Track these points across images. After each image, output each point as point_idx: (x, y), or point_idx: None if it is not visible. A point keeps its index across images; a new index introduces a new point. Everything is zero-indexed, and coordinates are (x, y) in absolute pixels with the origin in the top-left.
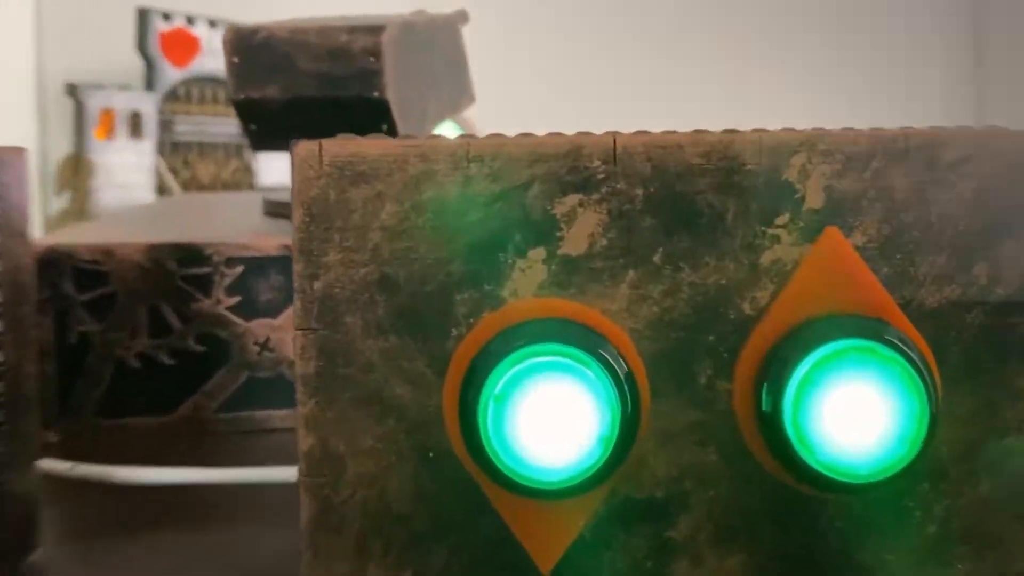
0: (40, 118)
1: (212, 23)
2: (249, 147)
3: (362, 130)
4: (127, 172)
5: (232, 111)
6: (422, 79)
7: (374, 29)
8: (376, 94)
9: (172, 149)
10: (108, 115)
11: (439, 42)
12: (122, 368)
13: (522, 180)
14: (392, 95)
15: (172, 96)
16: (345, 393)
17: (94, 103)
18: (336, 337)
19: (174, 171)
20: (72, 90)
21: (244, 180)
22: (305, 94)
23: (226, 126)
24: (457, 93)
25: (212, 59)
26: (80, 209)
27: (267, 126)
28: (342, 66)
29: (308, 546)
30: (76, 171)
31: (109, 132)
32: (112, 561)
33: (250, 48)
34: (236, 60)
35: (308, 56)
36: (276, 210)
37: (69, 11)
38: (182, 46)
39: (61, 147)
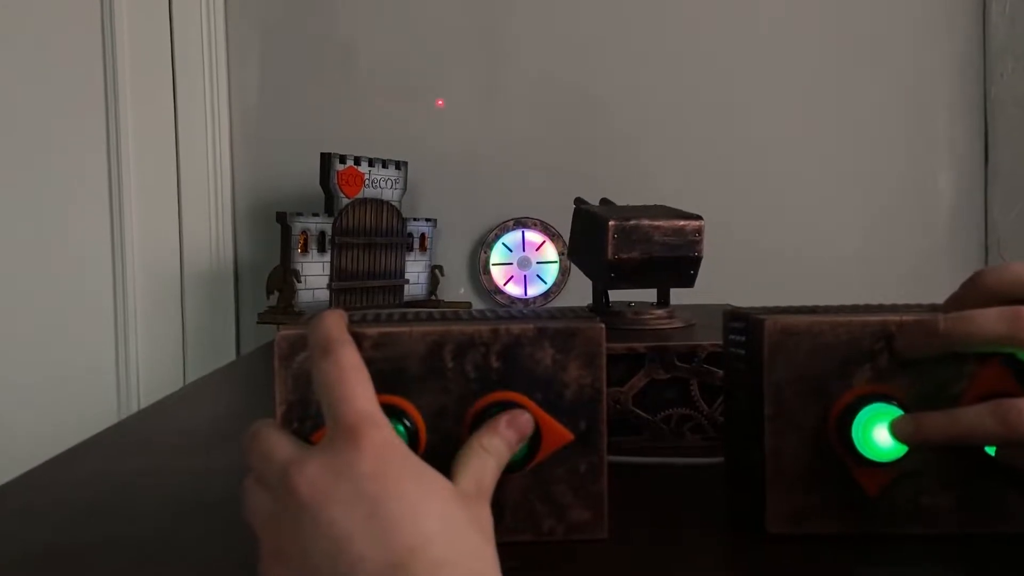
0: (253, 238)
1: (371, 162)
2: (603, 285)
3: (679, 275)
4: (316, 279)
5: None
6: None
7: (696, 216)
8: (695, 253)
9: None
10: (304, 236)
11: None
12: None
13: None
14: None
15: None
16: None
17: (297, 227)
18: None
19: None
20: (280, 217)
21: None
22: (655, 255)
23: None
24: None
25: (371, 189)
26: (286, 307)
27: (624, 274)
28: (679, 239)
29: None
30: (284, 279)
31: (304, 248)
32: None
33: (624, 230)
34: (616, 236)
35: (660, 233)
36: None
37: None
38: (352, 180)
39: (271, 261)
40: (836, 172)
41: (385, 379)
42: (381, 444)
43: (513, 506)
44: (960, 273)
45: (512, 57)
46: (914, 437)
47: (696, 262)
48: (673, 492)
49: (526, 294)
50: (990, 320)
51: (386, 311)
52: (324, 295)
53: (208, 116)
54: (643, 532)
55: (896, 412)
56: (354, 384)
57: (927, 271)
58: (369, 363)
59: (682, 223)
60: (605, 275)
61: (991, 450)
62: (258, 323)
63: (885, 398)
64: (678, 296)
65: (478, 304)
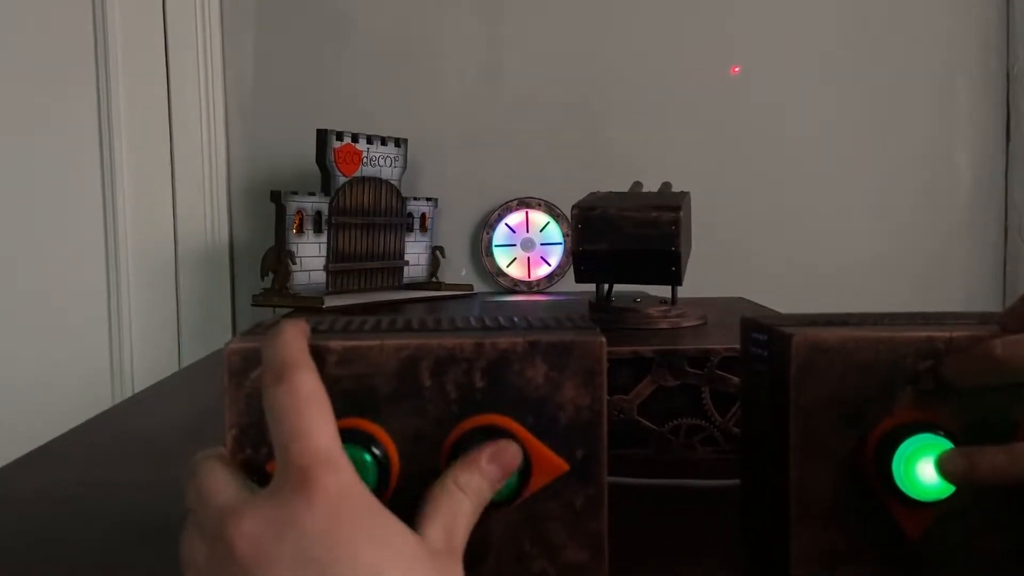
0: (249, 218)
1: (369, 139)
2: (575, 279)
3: (658, 271)
4: (312, 260)
5: None
6: (687, 234)
7: (673, 208)
8: (673, 248)
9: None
10: (299, 216)
11: (688, 210)
12: None
13: None
14: (682, 248)
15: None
16: None
17: (292, 206)
18: None
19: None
20: (275, 196)
21: None
22: (626, 247)
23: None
24: (690, 238)
25: (370, 167)
26: (280, 288)
27: (592, 267)
28: (651, 231)
29: None
30: (279, 260)
31: (300, 228)
32: None
33: (589, 219)
34: (579, 226)
35: (630, 224)
36: None
37: (263, 133)
38: (350, 158)
39: (267, 241)
40: (854, 152)
41: (353, 400)
42: (336, 493)
43: (498, 546)
44: (979, 258)
45: (517, 30)
46: (968, 477)
47: (675, 258)
48: (683, 519)
49: (529, 276)
50: None
51: (359, 318)
52: (321, 277)
53: (202, 92)
54: (648, 573)
55: (943, 444)
56: (310, 417)
57: (945, 255)
58: (334, 382)
59: (655, 214)
60: (575, 267)
61: None
62: (252, 305)
63: (931, 427)
64: (688, 287)
65: (480, 287)
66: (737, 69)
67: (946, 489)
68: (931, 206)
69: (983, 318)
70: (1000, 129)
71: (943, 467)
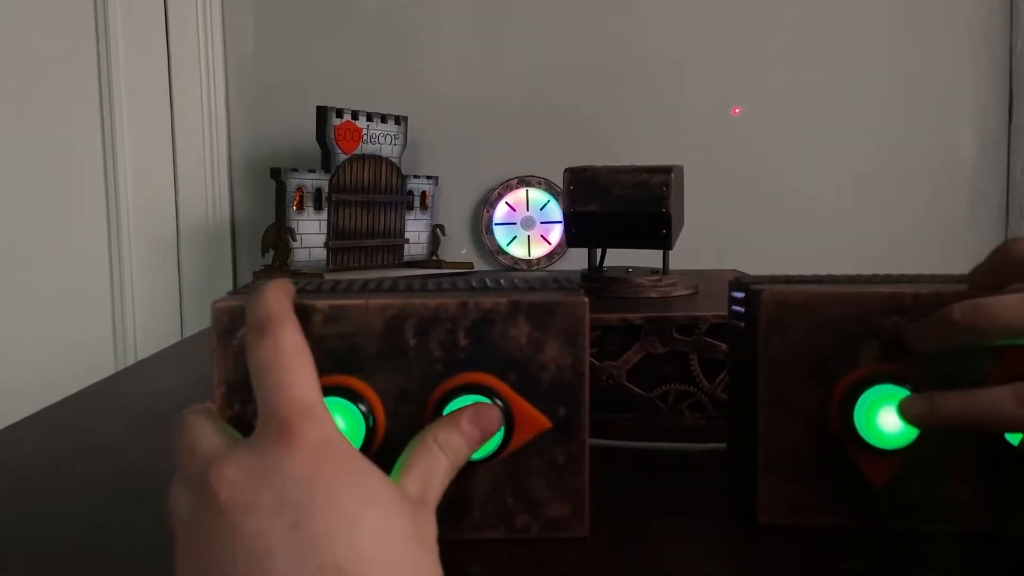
0: (250, 194)
1: (369, 116)
2: (566, 243)
3: (648, 234)
4: (312, 237)
5: None
6: (679, 201)
7: (664, 170)
8: (663, 210)
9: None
10: (299, 192)
11: (681, 181)
12: None
13: None
14: (672, 211)
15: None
16: None
17: (292, 183)
18: None
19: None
20: (275, 173)
21: None
22: (616, 210)
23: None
24: (682, 210)
25: (370, 145)
26: (281, 265)
27: (585, 229)
28: (642, 193)
29: None
30: (279, 236)
31: (300, 205)
32: None
33: (581, 180)
34: (571, 187)
35: (620, 186)
36: None
37: (264, 109)
38: (350, 136)
39: (268, 218)
40: (855, 127)
41: (339, 358)
42: (316, 442)
43: (482, 500)
44: (980, 235)
45: (518, 6)
46: (929, 419)
47: (666, 220)
48: (668, 481)
49: (530, 255)
50: (1013, 308)
51: (345, 279)
52: (321, 254)
53: (203, 69)
54: (628, 528)
55: (904, 393)
56: (292, 370)
57: (947, 232)
58: (321, 340)
59: (645, 175)
60: (567, 231)
61: (1014, 439)
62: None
63: (894, 379)
64: (686, 261)
65: (480, 265)
66: (738, 110)
67: (907, 437)
68: (933, 184)
69: (952, 279)
70: (1003, 107)
71: (905, 411)
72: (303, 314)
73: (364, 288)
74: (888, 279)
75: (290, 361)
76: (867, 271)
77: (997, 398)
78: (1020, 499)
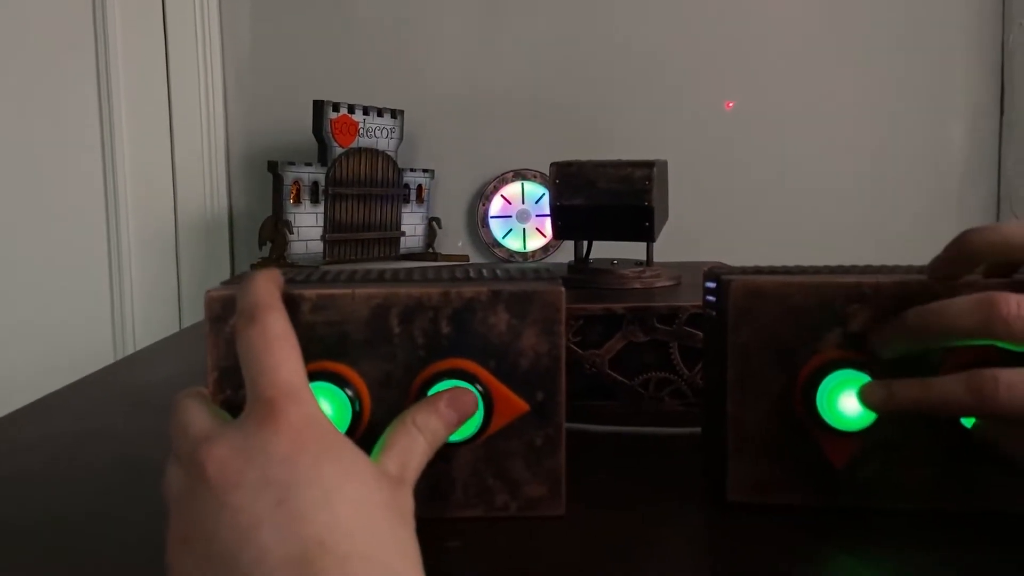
0: (248, 187)
1: (365, 110)
2: (553, 236)
3: (632, 227)
4: (309, 230)
5: None
6: (662, 195)
7: (647, 165)
8: (646, 203)
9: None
10: (296, 186)
11: (664, 175)
12: None
13: None
14: (655, 204)
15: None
16: None
17: (288, 176)
18: None
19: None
20: (272, 167)
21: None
22: (601, 203)
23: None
24: (666, 204)
25: (366, 139)
26: (278, 257)
27: (570, 222)
28: (626, 186)
29: None
30: (276, 229)
31: (297, 199)
32: None
33: (567, 174)
34: (557, 181)
35: (604, 180)
36: None
37: (261, 103)
38: (346, 129)
39: (266, 211)
40: (847, 121)
41: (327, 345)
42: (300, 423)
43: (464, 481)
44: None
45: (513, 1)
46: (886, 405)
47: (648, 213)
48: (645, 464)
49: (525, 248)
50: (962, 312)
51: (333, 269)
52: (318, 247)
53: (200, 63)
54: (604, 508)
55: (863, 379)
56: (278, 354)
57: (938, 225)
58: (309, 328)
59: (629, 169)
60: (553, 224)
61: (969, 424)
62: None
63: (854, 364)
64: (680, 253)
65: (476, 258)
66: (731, 105)
67: (866, 420)
68: (924, 177)
69: (913, 270)
70: (994, 101)
71: (864, 397)
72: (292, 303)
73: (351, 278)
74: (853, 269)
75: (276, 346)
76: (856, 263)
77: (949, 386)
78: (973, 479)
